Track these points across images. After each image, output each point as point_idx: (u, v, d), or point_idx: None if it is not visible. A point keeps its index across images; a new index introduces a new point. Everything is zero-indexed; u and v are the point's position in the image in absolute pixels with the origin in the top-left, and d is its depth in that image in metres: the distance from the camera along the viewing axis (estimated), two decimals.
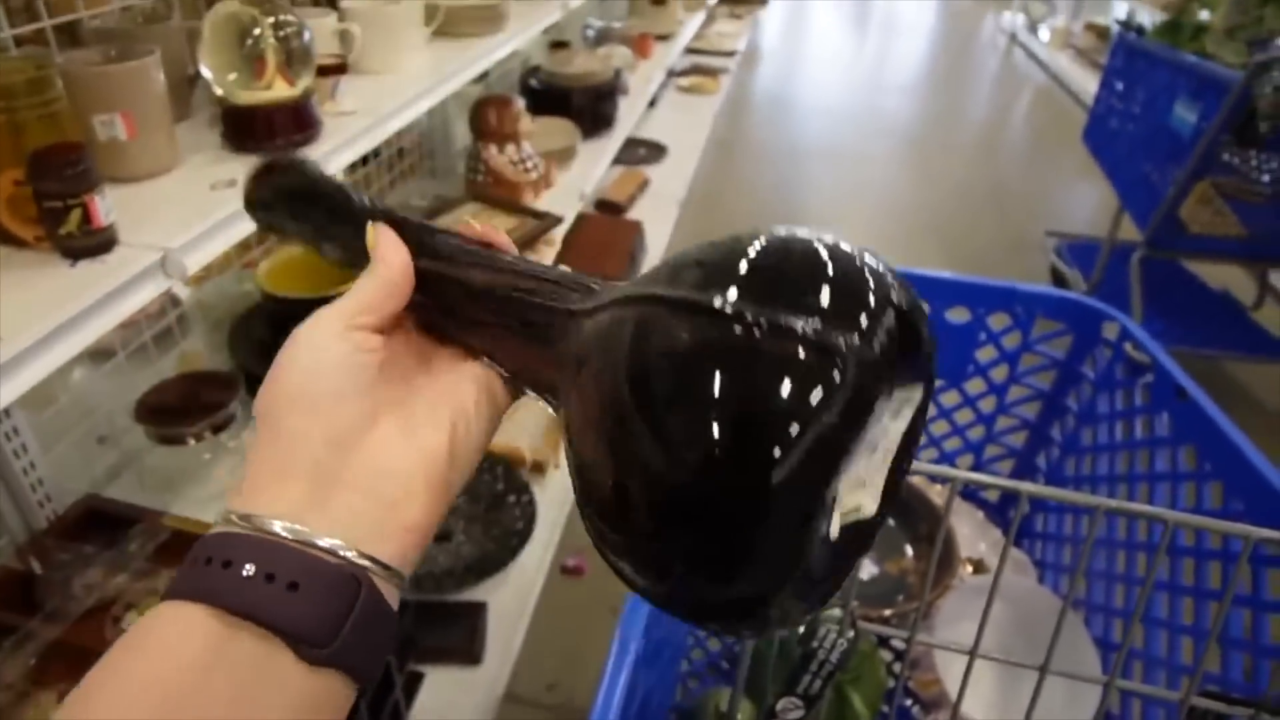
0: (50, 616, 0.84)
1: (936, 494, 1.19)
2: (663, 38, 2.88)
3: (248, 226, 0.78)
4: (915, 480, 1.17)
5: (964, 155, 3.81)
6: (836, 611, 0.59)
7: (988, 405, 1.18)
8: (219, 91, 0.84)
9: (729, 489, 0.23)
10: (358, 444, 0.30)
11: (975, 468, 1.21)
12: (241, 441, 1.05)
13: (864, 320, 0.23)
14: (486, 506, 1.45)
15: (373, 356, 0.31)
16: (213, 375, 1.07)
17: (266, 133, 0.86)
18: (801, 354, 0.22)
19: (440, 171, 1.86)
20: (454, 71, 1.18)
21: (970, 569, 1.11)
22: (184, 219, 0.72)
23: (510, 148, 1.68)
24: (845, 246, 0.26)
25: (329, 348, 0.30)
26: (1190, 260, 2.38)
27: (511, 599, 1.31)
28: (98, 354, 1.12)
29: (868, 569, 1.09)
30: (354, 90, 1.02)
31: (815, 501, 0.24)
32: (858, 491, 0.27)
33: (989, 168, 3.68)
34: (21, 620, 0.83)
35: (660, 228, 2.52)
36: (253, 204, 0.39)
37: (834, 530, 0.25)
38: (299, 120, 0.87)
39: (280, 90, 0.85)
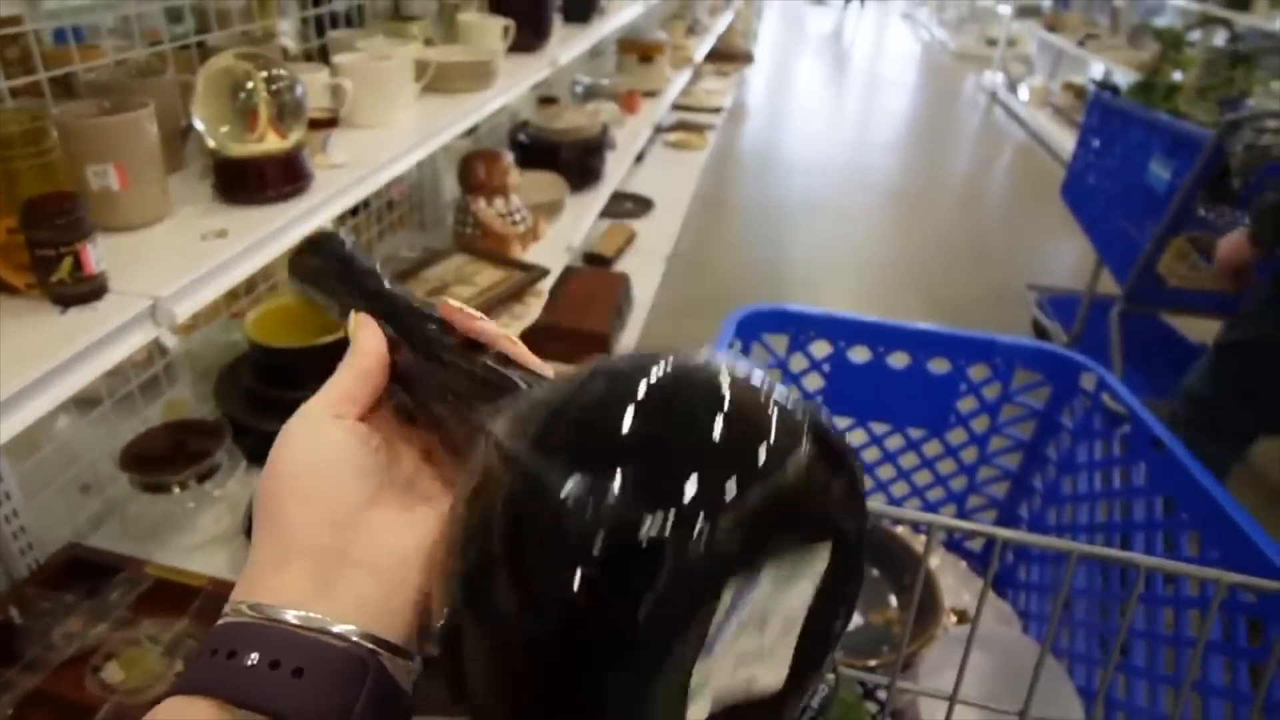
0: (29, 666, 0.83)
1: (920, 543, 1.19)
2: (650, 94, 2.95)
3: (236, 276, 0.80)
4: (899, 530, 1.17)
5: (946, 210, 3.89)
6: None
7: (969, 455, 1.19)
8: (212, 143, 0.86)
9: (547, 668, 0.22)
10: (360, 524, 0.30)
11: (958, 517, 1.23)
12: (227, 490, 1.05)
13: (698, 510, 0.21)
14: None
15: (362, 441, 0.32)
16: (199, 424, 1.08)
17: (258, 184, 0.88)
18: (615, 548, 0.21)
19: (429, 223, 1.89)
20: (444, 126, 1.21)
21: (954, 619, 1.11)
22: (174, 268, 0.74)
23: (499, 200, 1.71)
24: (734, 404, 0.24)
25: (322, 435, 0.31)
26: (1168, 313, 2.43)
27: None
28: (83, 402, 1.13)
29: (852, 620, 1.09)
30: (345, 143, 1.04)
31: (649, 687, 0.22)
32: (749, 666, 0.25)
33: (971, 222, 3.75)
34: (1, 670, 0.82)
35: (647, 280, 2.55)
36: (296, 275, 0.41)
37: (702, 711, 0.24)
38: (290, 172, 0.89)
39: (272, 143, 0.87)
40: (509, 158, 1.71)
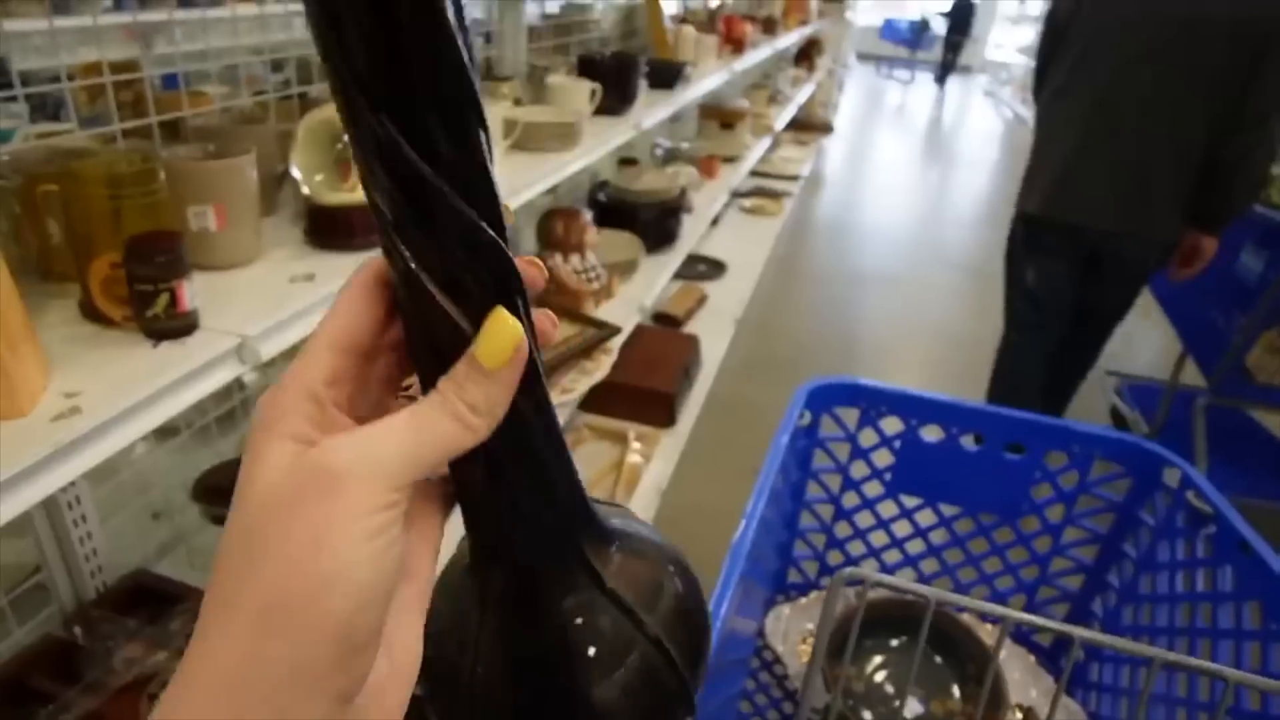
0: (89, 688, 0.85)
1: (986, 633, 1.14)
2: (729, 159, 2.98)
3: (316, 319, 0.82)
4: (965, 618, 1.13)
5: None
6: None
7: (1042, 545, 1.14)
8: (306, 191, 0.90)
9: None
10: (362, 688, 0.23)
11: (1028, 609, 1.17)
12: None
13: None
14: None
15: (399, 545, 0.22)
16: None
17: (346, 232, 0.91)
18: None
19: None
20: (527, 183, 1.24)
21: (1020, 716, 1.06)
22: (262, 308, 0.76)
23: (575, 258, 1.74)
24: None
25: (377, 544, 0.21)
26: (1257, 410, 2.32)
27: None
28: (162, 431, 1.16)
29: (913, 708, 1.04)
30: None
31: None
32: None
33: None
34: (62, 690, 0.84)
35: (716, 343, 2.55)
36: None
37: None
38: None
39: (363, 194, 0.90)
40: (587, 216, 1.74)
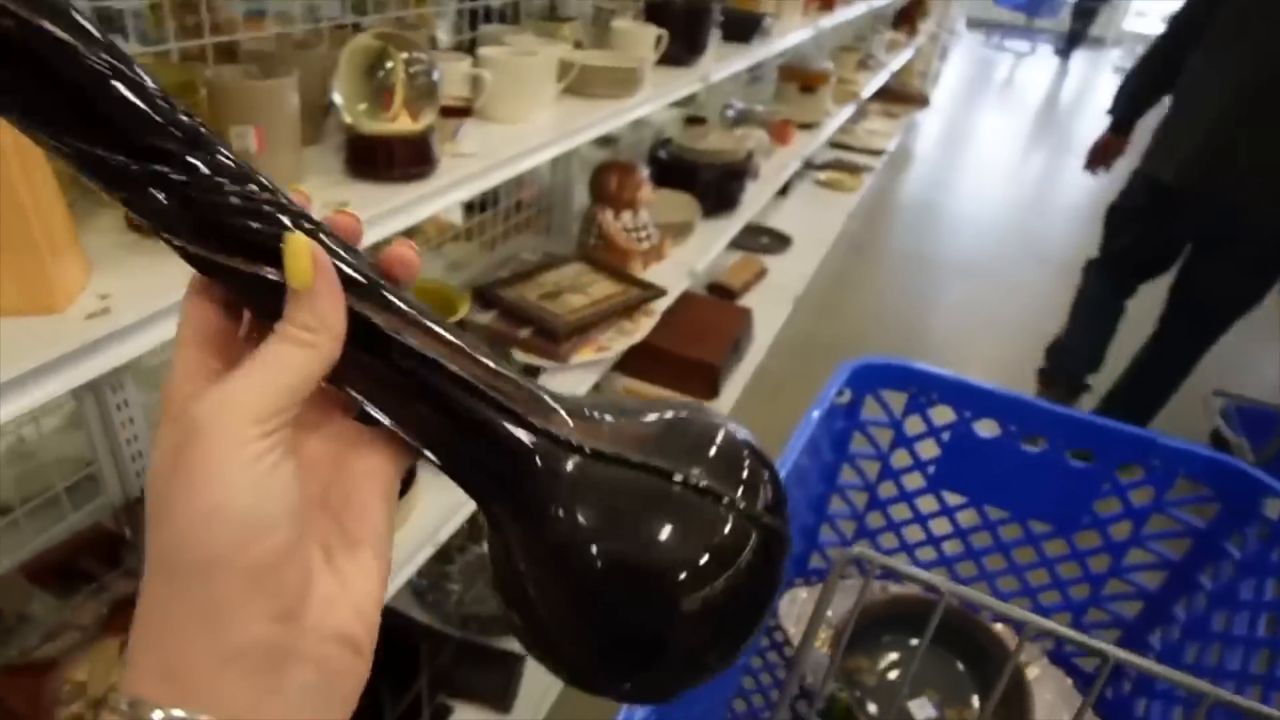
0: (127, 574, 0.94)
1: (1025, 650, 1.16)
2: (806, 126, 2.98)
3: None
4: (998, 628, 1.14)
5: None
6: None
7: (1099, 564, 1.14)
8: (347, 119, 0.95)
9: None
10: (304, 605, 0.26)
11: (1075, 628, 1.18)
12: None
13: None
14: None
15: (297, 474, 0.26)
16: None
17: (386, 162, 0.96)
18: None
19: (555, 229, 1.97)
20: (579, 129, 1.28)
21: None
22: None
23: (626, 215, 1.77)
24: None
25: (264, 476, 0.24)
26: None
27: None
28: None
29: (926, 710, 1.07)
30: (476, 134, 1.12)
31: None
32: None
33: (1152, 308, 3.57)
34: (104, 572, 0.94)
35: (771, 318, 2.57)
36: None
37: None
38: (417, 154, 0.97)
39: (403, 124, 0.95)
40: (643, 172, 1.77)
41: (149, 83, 0.25)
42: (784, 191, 3.46)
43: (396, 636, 1.19)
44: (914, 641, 1.14)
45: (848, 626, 0.74)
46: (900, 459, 1.18)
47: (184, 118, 0.26)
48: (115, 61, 0.25)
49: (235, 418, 0.24)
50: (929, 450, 1.16)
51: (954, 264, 3.70)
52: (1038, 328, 3.13)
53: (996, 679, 1.05)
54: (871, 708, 1.07)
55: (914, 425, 1.15)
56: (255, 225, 0.26)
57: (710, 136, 2.22)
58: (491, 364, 0.30)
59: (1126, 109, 2.28)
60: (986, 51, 10.50)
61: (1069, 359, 2.52)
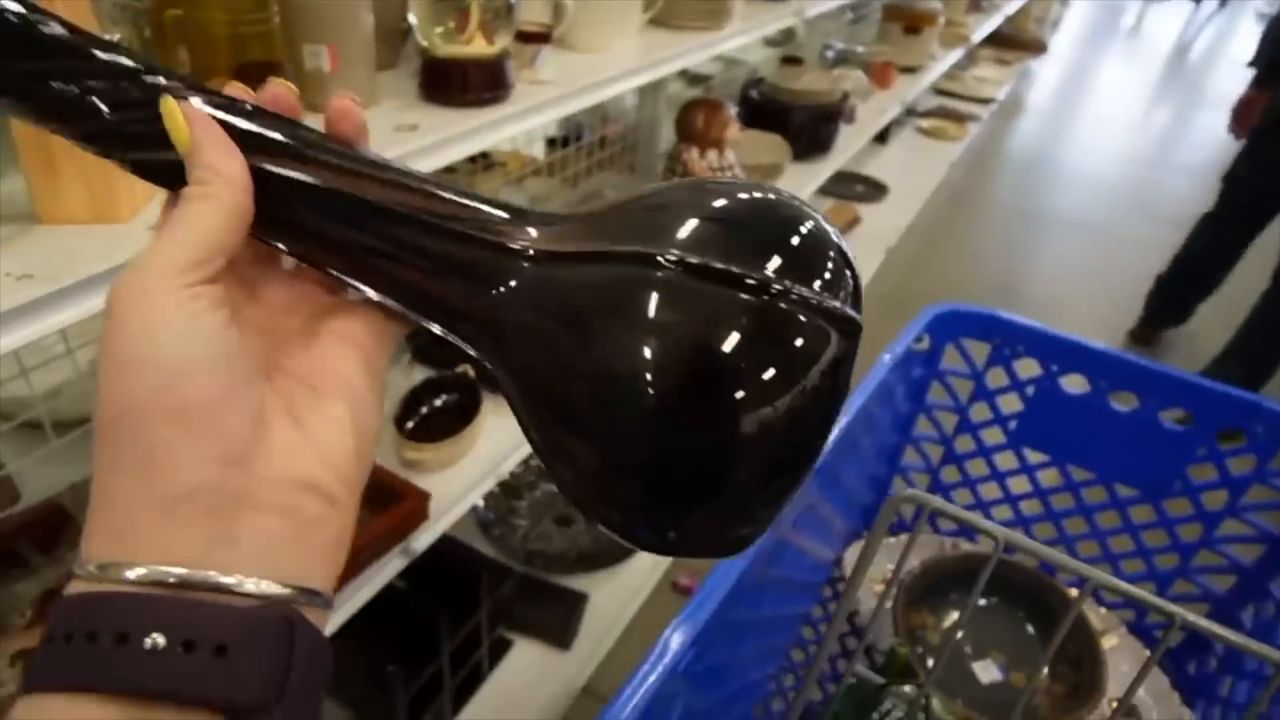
0: None
1: (1100, 618, 1.10)
2: (909, 70, 2.83)
3: (416, 168, 0.85)
4: (1074, 593, 1.08)
5: (1248, 258, 3.47)
6: (908, 688, 0.57)
7: (1190, 533, 1.06)
8: (423, 42, 0.92)
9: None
10: (255, 451, 0.25)
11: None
12: (389, 378, 1.14)
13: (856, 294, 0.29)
14: None
15: (231, 326, 0.25)
16: None
17: (460, 86, 0.93)
18: (828, 328, 0.26)
19: (639, 168, 1.93)
20: (661, 60, 1.22)
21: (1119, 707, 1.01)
22: None
23: (712, 153, 1.71)
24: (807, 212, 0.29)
25: (190, 324, 0.24)
26: None
27: (614, 598, 1.35)
28: None
29: (991, 672, 1.02)
30: (555, 62, 1.08)
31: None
32: None
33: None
34: None
35: (861, 268, 2.47)
36: None
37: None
38: (491, 79, 0.94)
39: (478, 47, 0.92)
40: (731, 111, 1.70)
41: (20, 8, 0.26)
42: (883, 139, 3.32)
43: (458, 566, 1.20)
44: (981, 601, 1.09)
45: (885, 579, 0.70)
46: (980, 412, 1.12)
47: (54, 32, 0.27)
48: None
49: (148, 274, 0.24)
50: (1011, 405, 1.10)
51: (1061, 220, 3.50)
52: (1144, 287, 2.95)
53: (1081, 658, 1.00)
54: (930, 664, 1.03)
55: (996, 378, 1.09)
56: (138, 116, 0.27)
57: (805, 77, 2.13)
58: (437, 193, 0.29)
59: (1273, 59, 2.09)
60: None
61: (1178, 282, 2.49)
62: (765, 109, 2.06)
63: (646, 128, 1.87)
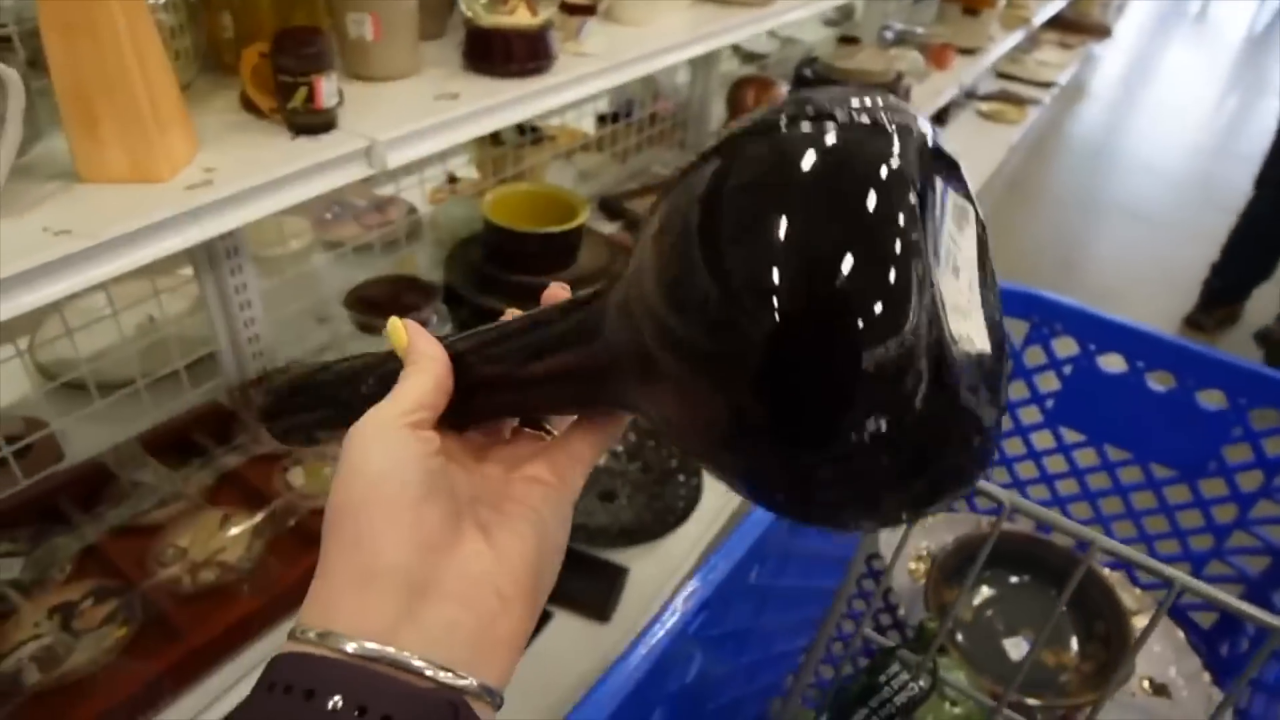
0: (235, 449, 0.98)
1: (1132, 598, 1.06)
2: (967, 51, 2.74)
3: (455, 137, 0.85)
4: (1108, 574, 1.04)
5: None
6: (911, 655, 0.55)
7: (1225, 514, 1.02)
8: (467, 12, 0.92)
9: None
10: (448, 550, 0.28)
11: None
12: None
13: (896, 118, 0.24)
14: (655, 479, 1.48)
15: (440, 457, 0.30)
16: (416, 281, 1.18)
17: (503, 56, 0.92)
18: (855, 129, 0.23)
19: (690, 144, 1.90)
20: (707, 35, 1.20)
21: (1148, 688, 0.98)
22: (399, 118, 0.79)
23: None
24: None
25: (405, 447, 0.29)
26: None
27: (654, 573, 1.34)
28: (330, 245, 1.27)
29: (1021, 649, 0.99)
30: (600, 34, 1.07)
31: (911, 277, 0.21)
32: (960, 318, 0.24)
33: None
34: (215, 447, 0.97)
35: None
36: (269, 416, 0.42)
37: (960, 349, 0.23)
38: (534, 49, 0.93)
39: (521, 17, 0.91)
40: (782, 88, 1.67)
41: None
42: (942, 120, 3.22)
43: None
44: (1014, 579, 1.06)
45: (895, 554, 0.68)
46: (1017, 390, 1.09)
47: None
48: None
49: (374, 418, 0.30)
50: (1049, 383, 1.06)
51: (1121, 207, 3.37)
52: (1203, 277, 2.82)
53: (1110, 635, 0.96)
54: (959, 637, 1.00)
55: (1034, 356, 1.05)
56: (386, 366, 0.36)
57: (859, 56, 2.06)
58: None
59: None
60: None
61: (1236, 267, 2.42)
62: (818, 86, 2.01)
63: (697, 104, 1.85)
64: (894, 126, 0.23)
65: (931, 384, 0.21)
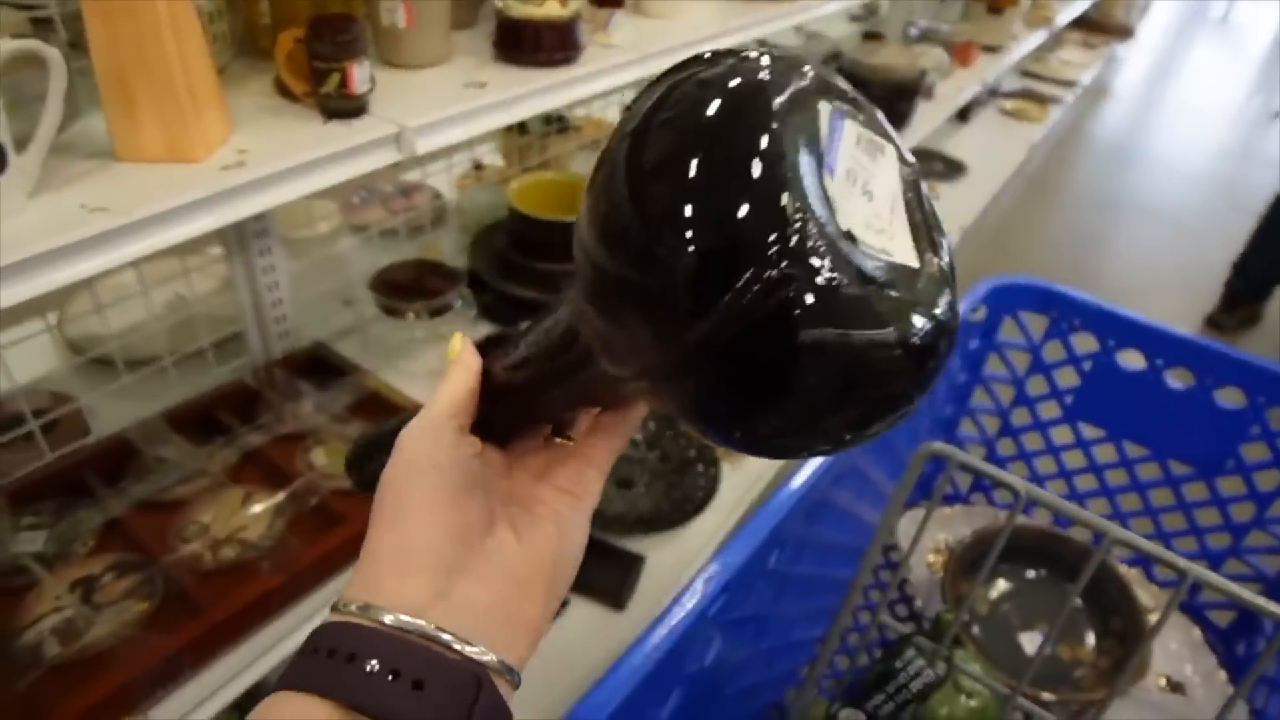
0: (259, 429, 0.98)
1: (1149, 595, 1.04)
2: (990, 49, 2.71)
3: (482, 125, 0.85)
4: (1124, 571, 1.03)
5: None
6: (927, 642, 0.54)
7: (1242, 513, 1.01)
8: (499, 2, 0.91)
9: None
10: (479, 541, 0.31)
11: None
12: (451, 329, 1.14)
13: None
14: (674, 468, 1.48)
15: (479, 460, 0.33)
16: (441, 266, 1.18)
17: (532, 46, 0.92)
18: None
19: None
20: (734, 28, 1.19)
21: (1165, 685, 0.97)
22: (428, 106, 0.79)
23: None
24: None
25: (450, 444, 0.32)
26: None
27: (671, 562, 1.33)
28: (356, 228, 1.27)
29: (1034, 640, 0.98)
30: (627, 26, 1.06)
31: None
32: (876, 234, 0.25)
33: None
34: (239, 426, 0.97)
35: None
36: (351, 466, 0.44)
37: (866, 252, 0.24)
38: (562, 40, 0.92)
39: (551, 9, 0.90)
40: None
41: None
42: (965, 117, 3.19)
43: None
44: (1030, 574, 1.04)
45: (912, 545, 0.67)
46: (1037, 385, 1.07)
47: None
48: None
49: (427, 415, 0.33)
50: (1068, 379, 1.05)
51: (1142, 207, 3.32)
52: (1220, 276, 2.78)
53: (1127, 631, 0.95)
54: (976, 630, 0.99)
55: (1053, 351, 1.04)
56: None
57: (883, 52, 2.05)
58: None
59: None
60: None
61: (1258, 267, 2.39)
62: None
63: None
64: (771, 69, 0.25)
65: (823, 274, 0.22)
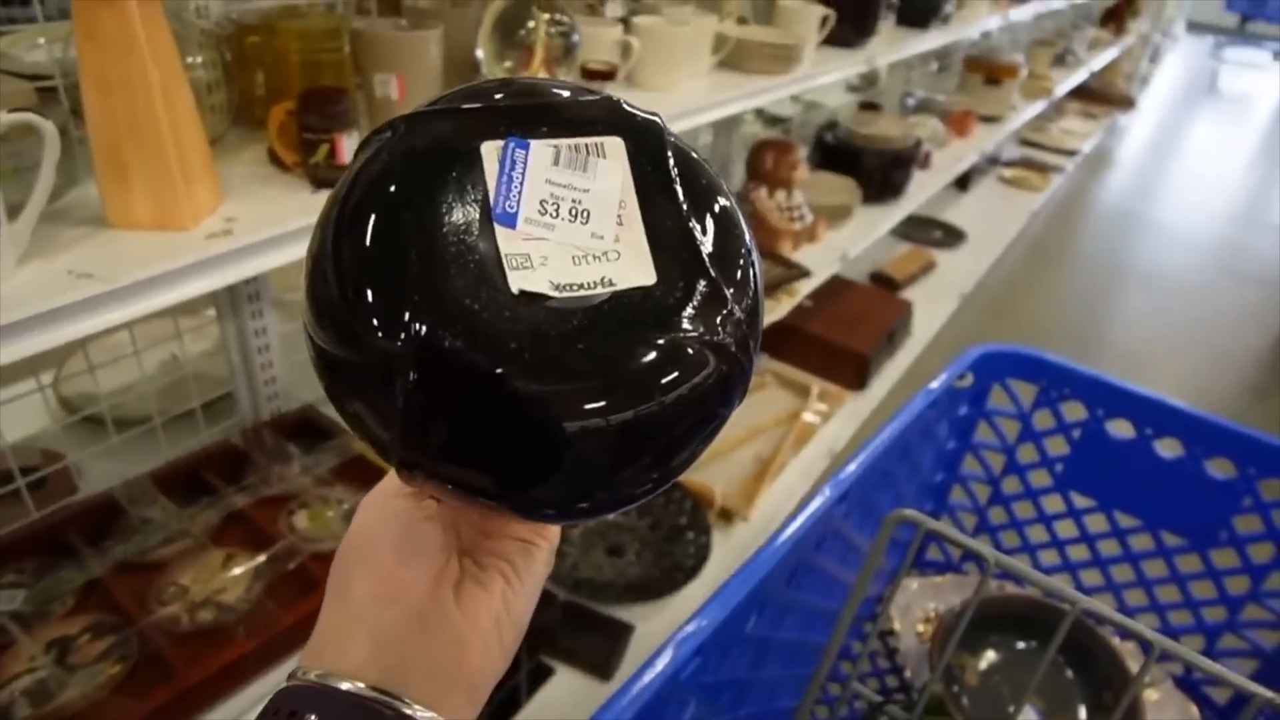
0: (244, 490, 0.98)
1: (1134, 661, 1.02)
2: (989, 119, 2.76)
3: None
4: (1117, 643, 1.01)
5: None
6: (901, 711, 0.53)
7: (1237, 586, 0.99)
8: (486, 74, 0.94)
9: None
10: (423, 605, 0.32)
11: (1205, 655, 1.03)
12: None
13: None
14: (664, 536, 1.47)
15: (428, 522, 0.34)
16: None
17: None
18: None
19: None
20: (725, 100, 1.22)
21: None
22: None
23: (781, 193, 1.70)
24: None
25: (393, 510, 0.33)
26: None
27: (661, 631, 1.31)
28: None
29: (1029, 717, 0.96)
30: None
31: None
32: (596, 264, 0.26)
33: None
34: (224, 486, 0.98)
35: (934, 314, 2.41)
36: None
37: (537, 283, 0.25)
38: None
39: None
40: (800, 152, 1.69)
41: None
42: (964, 186, 3.23)
43: None
44: (1021, 645, 1.03)
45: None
46: (1027, 454, 1.07)
47: None
48: None
49: (378, 488, 0.35)
50: (1058, 447, 1.04)
51: (1144, 275, 3.34)
52: (1225, 342, 2.78)
53: (1115, 703, 0.93)
54: (965, 701, 0.97)
55: (1043, 420, 1.04)
56: None
57: (879, 122, 2.09)
58: None
59: None
60: (1208, 59, 9.40)
61: None
62: (838, 152, 2.03)
63: (718, 166, 1.87)
64: (420, 132, 0.27)
65: (456, 360, 0.24)
